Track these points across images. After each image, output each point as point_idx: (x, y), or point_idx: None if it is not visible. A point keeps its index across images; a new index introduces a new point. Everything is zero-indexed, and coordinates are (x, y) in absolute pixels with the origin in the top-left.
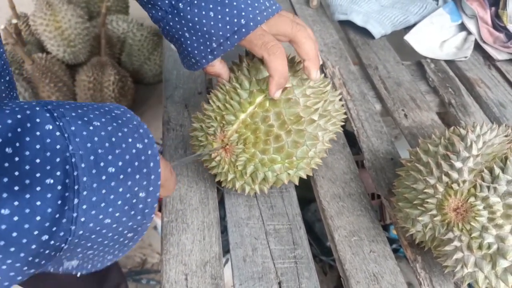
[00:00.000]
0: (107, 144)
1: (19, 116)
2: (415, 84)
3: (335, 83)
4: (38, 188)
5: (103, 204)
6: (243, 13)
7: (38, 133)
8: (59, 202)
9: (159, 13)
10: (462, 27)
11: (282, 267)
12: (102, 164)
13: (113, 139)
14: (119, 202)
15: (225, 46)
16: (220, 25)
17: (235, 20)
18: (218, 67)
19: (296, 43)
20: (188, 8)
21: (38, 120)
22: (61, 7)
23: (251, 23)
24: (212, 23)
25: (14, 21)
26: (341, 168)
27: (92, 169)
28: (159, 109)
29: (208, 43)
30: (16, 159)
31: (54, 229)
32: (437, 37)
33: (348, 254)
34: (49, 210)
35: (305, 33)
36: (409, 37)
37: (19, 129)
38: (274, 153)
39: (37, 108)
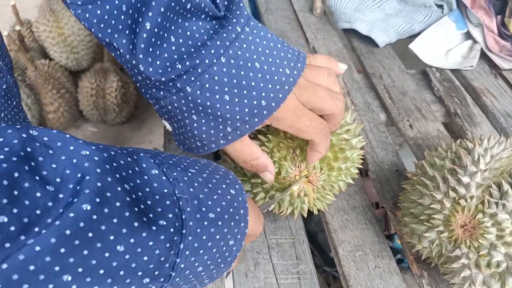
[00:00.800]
0: (206, 190)
1: (129, 159)
2: (420, 93)
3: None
4: (154, 228)
5: (201, 251)
6: (263, 94)
7: (146, 177)
8: (168, 245)
9: (161, 93)
10: (468, 35)
11: (285, 283)
12: (204, 209)
13: (210, 185)
14: (214, 250)
15: (242, 130)
16: (237, 108)
17: (255, 102)
18: (265, 156)
19: (330, 117)
20: (198, 92)
21: (144, 165)
22: (65, 13)
23: (273, 103)
24: (227, 107)
25: (18, 27)
26: None
27: (197, 213)
28: None
29: (221, 127)
30: (133, 196)
31: (156, 273)
32: (442, 46)
33: (353, 270)
34: (157, 251)
35: (340, 107)
36: (414, 46)
37: (130, 171)
38: (341, 162)
39: (141, 154)
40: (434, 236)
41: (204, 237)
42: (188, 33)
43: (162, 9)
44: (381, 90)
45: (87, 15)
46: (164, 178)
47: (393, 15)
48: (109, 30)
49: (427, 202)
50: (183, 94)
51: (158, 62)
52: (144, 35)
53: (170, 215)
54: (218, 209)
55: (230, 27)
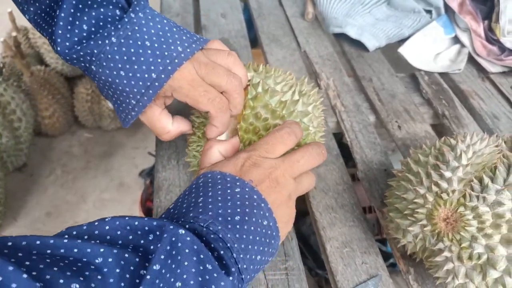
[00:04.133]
0: (220, 204)
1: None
2: (409, 96)
3: (329, 94)
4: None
5: (250, 246)
6: (152, 67)
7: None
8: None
9: (86, 72)
10: (456, 40)
11: (273, 279)
12: (229, 218)
13: (219, 198)
14: (257, 238)
15: (143, 102)
16: (132, 82)
17: (146, 75)
18: (175, 127)
19: (228, 95)
20: (100, 69)
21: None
22: None
23: (163, 75)
24: (125, 81)
25: (14, 34)
26: (333, 179)
27: (227, 225)
28: None
29: (127, 100)
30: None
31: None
32: (431, 50)
33: (340, 266)
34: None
35: (235, 84)
36: (403, 50)
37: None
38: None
39: (165, 220)
40: (417, 230)
41: (244, 236)
42: (93, 21)
43: (74, 2)
44: (370, 93)
45: (27, 16)
46: (187, 226)
47: (383, 20)
48: (43, 25)
49: (411, 197)
50: (93, 74)
51: (67, 43)
52: (60, 23)
53: (213, 245)
54: (238, 209)
55: (126, 14)
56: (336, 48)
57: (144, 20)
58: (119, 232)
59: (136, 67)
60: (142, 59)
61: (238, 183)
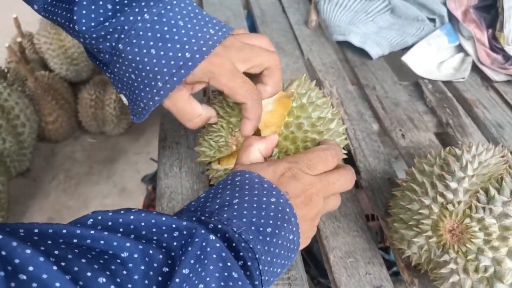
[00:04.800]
0: (254, 212)
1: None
2: (413, 104)
3: (332, 102)
4: (241, 269)
5: (274, 259)
6: (187, 46)
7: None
8: (252, 273)
9: (106, 56)
10: (460, 48)
11: None
12: (261, 228)
13: (255, 205)
14: (282, 252)
15: (172, 83)
16: (163, 61)
17: (179, 54)
18: (205, 111)
19: (270, 71)
20: (128, 48)
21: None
22: None
23: (197, 55)
24: (154, 60)
25: (19, 39)
26: None
27: (259, 235)
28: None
29: (153, 83)
30: None
31: None
32: (435, 58)
33: (344, 276)
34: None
35: (277, 60)
36: (406, 58)
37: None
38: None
39: (194, 219)
40: (423, 241)
41: (272, 249)
42: None
43: None
44: (374, 101)
45: (36, 6)
46: (220, 226)
47: (386, 28)
48: (56, 11)
49: (416, 208)
50: (119, 53)
51: (92, 22)
52: (84, 2)
53: (242, 253)
54: (271, 221)
55: None
56: (339, 56)
57: (176, 0)
58: (143, 224)
59: (169, 45)
60: (176, 37)
61: (274, 192)
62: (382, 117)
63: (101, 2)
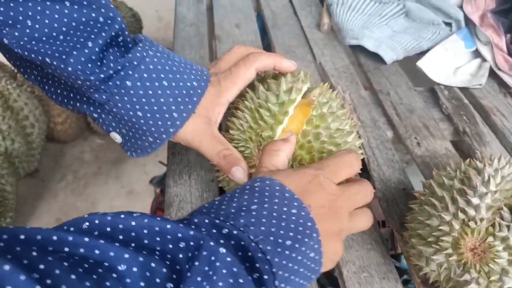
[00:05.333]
0: (274, 221)
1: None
2: (428, 111)
3: (345, 108)
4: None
5: (292, 277)
6: (193, 76)
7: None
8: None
9: (103, 96)
10: (477, 53)
11: None
12: (280, 240)
13: (275, 214)
14: (301, 270)
15: (188, 110)
16: (176, 92)
17: (194, 83)
18: (235, 152)
19: (278, 63)
20: (138, 83)
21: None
22: None
23: (203, 83)
24: (168, 91)
25: None
26: None
27: (277, 247)
28: None
29: (166, 115)
30: None
31: None
32: (451, 64)
33: None
34: None
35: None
36: (422, 63)
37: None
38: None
39: (206, 221)
40: (442, 259)
41: (290, 264)
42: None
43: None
44: (388, 107)
45: (13, 40)
46: (235, 232)
47: (401, 32)
48: (42, 50)
49: (435, 223)
50: (125, 90)
51: (96, 69)
52: (86, 51)
53: (258, 264)
54: (291, 234)
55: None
56: (352, 60)
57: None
58: (145, 231)
59: (178, 76)
60: (182, 67)
61: (295, 204)
62: (396, 124)
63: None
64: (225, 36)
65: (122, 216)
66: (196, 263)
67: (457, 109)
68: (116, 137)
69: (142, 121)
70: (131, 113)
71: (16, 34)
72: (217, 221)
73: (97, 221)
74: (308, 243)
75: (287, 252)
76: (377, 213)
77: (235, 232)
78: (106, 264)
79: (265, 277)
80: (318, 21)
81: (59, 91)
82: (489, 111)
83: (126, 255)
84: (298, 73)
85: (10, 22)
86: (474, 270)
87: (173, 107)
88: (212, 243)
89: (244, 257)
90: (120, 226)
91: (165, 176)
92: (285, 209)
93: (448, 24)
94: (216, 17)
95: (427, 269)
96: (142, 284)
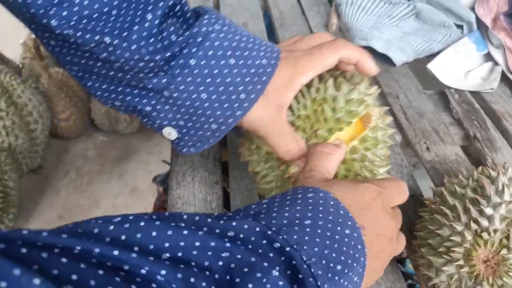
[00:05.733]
0: (328, 242)
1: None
2: (438, 115)
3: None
4: None
5: None
6: (262, 53)
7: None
8: None
9: (164, 80)
10: (488, 57)
11: None
12: (331, 264)
13: (328, 233)
14: None
15: (257, 92)
16: (244, 71)
17: (263, 61)
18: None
19: (361, 60)
20: (203, 62)
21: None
22: None
23: (272, 61)
24: (235, 70)
25: (33, 35)
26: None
27: (328, 273)
28: None
29: (233, 96)
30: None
31: None
32: (462, 67)
33: None
34: None
35: (347, 47)
36: (432, 66)
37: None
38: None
39: (257, 229)
40: (453, 270)
41: None
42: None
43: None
44: (397, 110)
45: (63, 20)
46: (288, 249)
47: (411, 34)
48: (97, 29)
49: (447, 233)
50: (188, 70)
51: (159, 45)
52: (146, 25)
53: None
54: (342, 258)
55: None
56: None
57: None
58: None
59: (246, 53)
60: (250, 45)
61: (349, 223)
62: (405, 128)
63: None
64: None
65: (142, 223)
66: (250, 286)
67: (467, 114)
68: (171, 132)
69: (206, 104)
70: (194, 96)
71: (65, 13)
72: (269, 232)
73: (111, 227)
74: (355, 268)
75: (336, 278)
76: None
77: (287, 249)
78: (154, 286)
79: None
80: (327, 21)
81: (105, 86)
82: (500, 116)
83: (163, 272)
84: (370, 84)
85: (56, 1)
86: (486, 283)
87: (240, 88)
88: (266, 264)
89: (293, 278)
90: (138, 236)
91: (168, 175)
92: (339, 228)
93: (460, 27)
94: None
95: (436, 280)
96: None
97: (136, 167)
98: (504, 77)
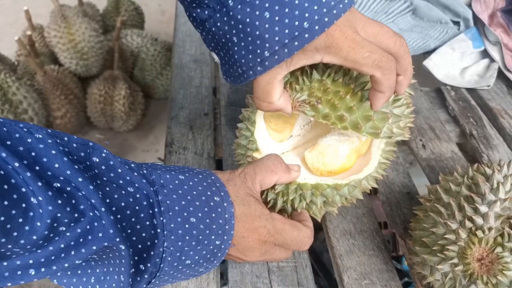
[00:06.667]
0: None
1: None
2: (434, 112)
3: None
4: (132, 270)
5: (186, 248)
6: (306, 14)
7: (138, 226)
8: (138, 278)
9: (206, 12)
10: (485, 54)
11: None
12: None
13: (195, 192)
14: (199, 247)
15: (280, 56)
16: (276, 28)
17: (296, 23)
18: (280, 102)
19: (397, 59)
20: (239, 6)
21: (142, 215)
22: (76, 20)
23: (317, 27)
24: (266, 25)
25: (29, 32)
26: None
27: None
28: None
29: (259, 51)
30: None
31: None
32: (458, 64)
33: None
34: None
35: (406, 47)
36: (428, 63)
37: (128, 212)
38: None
39: (145, 192)
40: (447, 268)
41: (187, 237)
42: None
43: None
44: None
45: None
46: (159, 230)
47: (408, 31)
48: None
49: (441, 232)
50: (226, 10)
51: None
52: None
53: (149, 264)
54: (200, 214)
55: None
56: None
57: None
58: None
59: (287, 10)
60: (296, 2)
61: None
62: None
63: None
64: None
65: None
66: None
67: (464, 111)
68: (215, 57)
69: (235, 48)
70: (227, 36)
71: None
72: (156, 187)
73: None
74: (215, 230)
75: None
76: (379, 214)
77: (158, 230)
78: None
79: (149, 243)
80: None
81: None
82: (497, 113)
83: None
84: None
85: None
86: (481, 282)
87: (268, 45)
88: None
89: (145, 248)
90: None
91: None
92: (208, 193)
93: (456, 23)
94: None
95: (431, 278)
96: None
97: None
98: (500, 74)
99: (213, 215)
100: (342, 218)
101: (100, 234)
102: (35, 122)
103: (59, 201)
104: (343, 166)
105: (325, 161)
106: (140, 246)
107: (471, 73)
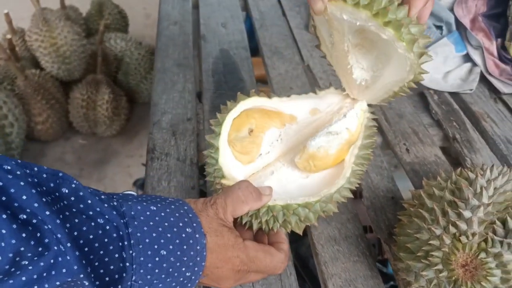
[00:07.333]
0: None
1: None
2: (418, 116)
3: None
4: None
5: (155, 281)
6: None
7: (107, 259)
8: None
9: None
10: (467, 58)
11: None
12: (156, 246)
13: (166, 224)
14: (168, 280)
15: (196, 275)
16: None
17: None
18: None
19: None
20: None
21: (111, 247)
22: (58, 23)
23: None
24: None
25: (9, 36)
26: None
27: (148, 251)
28: None
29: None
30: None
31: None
32: (441, 68)
33: None
34: None
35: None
36: None
37: (106, 240)
38: None
39: (115, 224)
40: (432, 275)
41: (157, 270)
42: None
43: None
44: (376, 112)
45: None
46: (127, 264)
47: None
48: None
49: (425, 237)
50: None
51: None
52: None
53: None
54: (171, 246)
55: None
56: None
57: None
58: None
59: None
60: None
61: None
62: (385, 129)
63: None
64: (211, 36)
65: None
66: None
67: (447, 115)
68: None
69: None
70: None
71: None
72: (126, 219)
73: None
74: (186, 262)
75: (157, 259)
76: (364, 218)
77: (127, 264)
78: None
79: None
80: (307, 22)
81: None
82: (479, 117)
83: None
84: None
85: None
86: None
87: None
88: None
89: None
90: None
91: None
92: (180, 224)
93: (439, 28)
94: (201, 16)
95: (415, 284)
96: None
97: (116, 171)
98: (483, 78)
99: (185, 247)
100: (326, 224)
101: (64, 270)
102: (15, 127)
103: (24, 234)
104: (337, 160)
105: (316, 164)
106: (107, 278)
107: (454, 77)
